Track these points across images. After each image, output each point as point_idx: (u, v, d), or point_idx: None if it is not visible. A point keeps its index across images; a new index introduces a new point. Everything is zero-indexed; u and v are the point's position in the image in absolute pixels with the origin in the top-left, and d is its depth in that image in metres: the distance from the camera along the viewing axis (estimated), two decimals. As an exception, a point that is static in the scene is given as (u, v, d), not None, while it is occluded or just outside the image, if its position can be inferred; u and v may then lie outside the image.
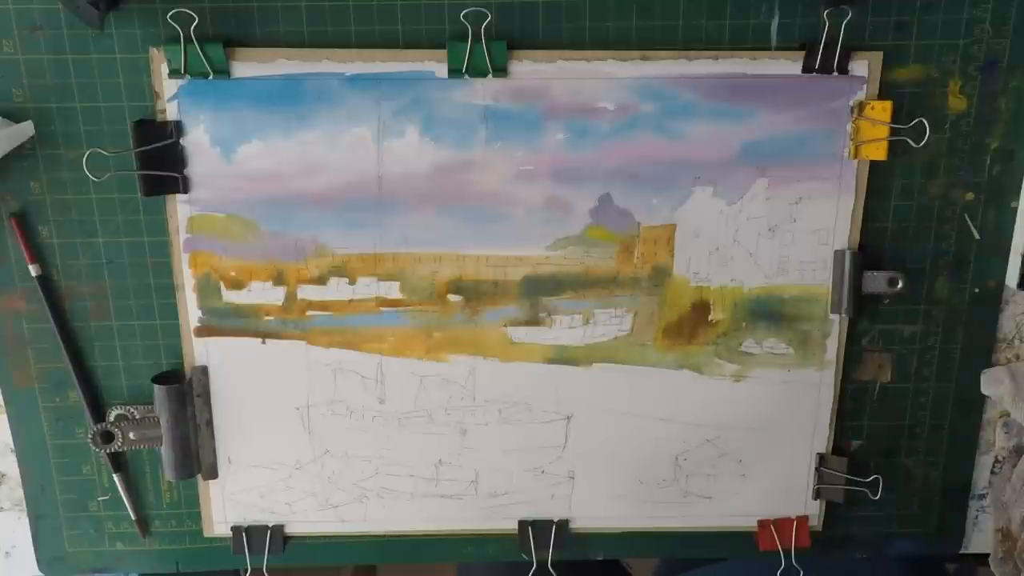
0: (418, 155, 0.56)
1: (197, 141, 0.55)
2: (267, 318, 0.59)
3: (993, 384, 0.61)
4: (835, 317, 0.60)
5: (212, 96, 0.54)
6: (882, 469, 0.63)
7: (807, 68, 0.55)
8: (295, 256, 0.58)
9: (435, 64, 0.54)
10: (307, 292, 0.59)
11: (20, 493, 0.63)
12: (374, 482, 0.63)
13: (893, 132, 0.55)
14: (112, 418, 0.60)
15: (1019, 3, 0.54)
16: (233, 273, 0.58)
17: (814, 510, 0.64)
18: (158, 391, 0.58)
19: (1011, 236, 0.59)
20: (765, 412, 0.62)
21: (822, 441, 0.63)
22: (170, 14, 0.52)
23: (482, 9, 0.53)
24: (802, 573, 0.63)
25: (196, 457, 0.61)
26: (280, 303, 0.59)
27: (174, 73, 0.53)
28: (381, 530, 0.65)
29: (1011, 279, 0.59)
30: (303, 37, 0.54)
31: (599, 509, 0.64)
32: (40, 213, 0.57)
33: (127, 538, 0.64)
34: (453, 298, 0.59)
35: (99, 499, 0.63)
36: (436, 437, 0.62)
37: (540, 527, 0.64)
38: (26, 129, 0.54)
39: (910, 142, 0.55)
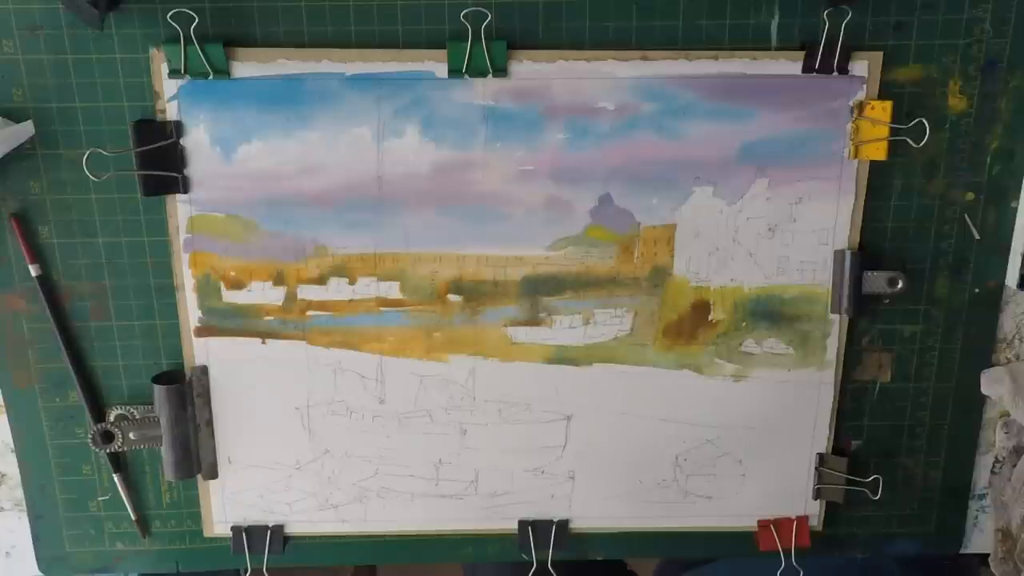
0: (418, 155, 0.56)
1: (197, 141, 0.55)
2: (267, 318, 0.59)
3: (993, 384, 0.61)
4: (835, 317, 0.60)
5: (212, 96, 0.54)
6: (882, 469, 0.63)
7: (807, 68, 0.55)
8: (295, 256, 0.58)
9: (435, 64, 0.54)
10: (307, 292, 0.59)
11: (20, 493, 0.63)
12: (374, 482, 0.63)
13: (893, 132, 0.55)
14: (112, 418, 0.60)
15: (1019, 3, 0.54)
16: (233, 273, 0.58)
17: (814, 510, 0.64)
18: (158, 391, 0.58)
19: (1011, 236, 0.59)
20: (765, 412, 0.62)
21: (822, 441, 0.63)
22: (170, 14, 0.52)
23: (482, 9, 0.53)
24: (802, 573, 0.63)
25: (196, 457, 0.61)
26: (280, 303, 0.59)
27: (174, 73, 0.53)
28: (381, 530, 0.65)
29: (1011, 279, 0.59)
30: (303, 37, 0.54)
31: (599, 509, 0.64)
32: (40, 213, 0.57)
33: (127, 538, 0.64)
34: (453, 298, 0.59)
35: (99, 499, 0.63)
36: (436, 437, 0.62)
37: (540, 527, 0.64)
38: (26, 129, 0.54)
39: (910, 142, 0.55)
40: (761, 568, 0.65)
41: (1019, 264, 0.58)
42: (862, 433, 0.63)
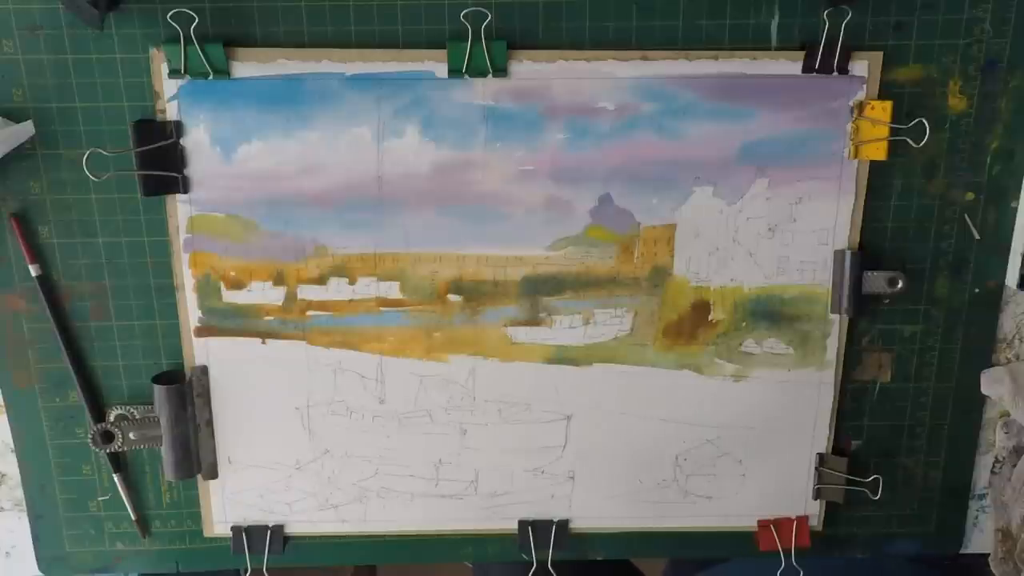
0: (418, 155, 0.56)
1: (197, 141, 0.55)
2: (267, 318, 0.59)
3: (993, 384, 0.61)
4: (835, 317, 0.60)
5: (212, 96, 0.54)
6: (882, 469, 0.63)
7: (807, 68, 0.55)
8: (295, 256, 0.58)
9: (435, 64, 0.54)
10: (307, 292, 0.59)
11: (20, 493, 0.63)
12: (374, 482, 0.63)
13: (893, 132, 0.55)
14: (112, 418, 0.60)
15: (1019, 3, 0.54)
16: (233, 273, 0.58)
17: (814, 510, 0.64)
18: (158, 391, 0.58)
19: (1011, 236, 0.59)
20: (765, 412, 0.62)
21: (822, 441, 0.63)
22: (170, 14, 0.52)
23: (482, 9, 0.53)
24: (802, 573, 0.63)
25: (196, 457, 0.61)
26: (280, 303, 0.59)
27: (174, 73, 0.53)
28: (381, 530, 0.65)
29: (1011, 279, 0.59)
30: (303, 37, 0.54)
31: (599, 509, 0.64)
32: (40, 213, 0.57)
33: (127, 538, 0.64)
34: (453, 298, 0.59)
35: (99, 499, 0.63)
36: (436, 437, 0.62)
37: (540, 527, 0.64)
38: (26, 129, 0.54)
39: (910, 142, 0.55)
40: (768, 568, 0.65)
41: (1019, 264, 0.58)
42: (862, 433, 0.63)
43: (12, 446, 0.62)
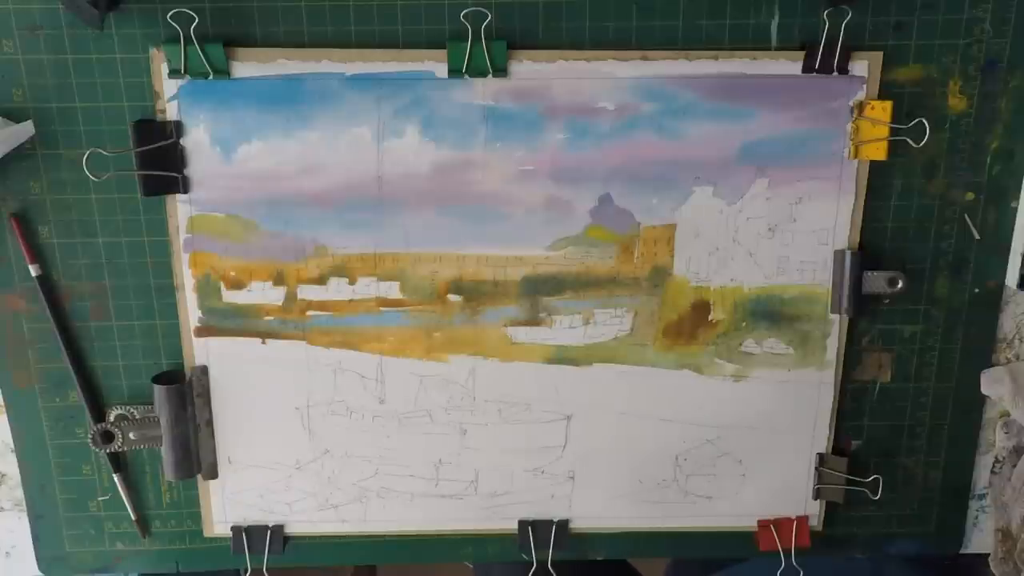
0: (418, 155, 0.56)
1: (197, 141, 0.55)
2: (267, 318, 0.59)
3: (993, 384, 0.61)
4: (835, 317, 0.60)
5: (212, 96, 0.54)
6: (882, 469, 0.63)
7: (807, 68, 0.55)
8: (295, 256, 0.58)
9: (435, 64, 0.54)
10: (307, 292, 0.59)
11: (20, 493, 0.63)
12: (374, 482, 0.63)
13: (893, 132, 0.55)
14: (112, 418, 0.60)
15: (1019, 3, 0.54)
16: (233, 273, 0.58)
17: (814, 510, 0.64)
18: (158, 391, 0.58)
19: (1011, 236, 0.59)
20: (765, 412, 0.62)
21: (822, 441, 0.63)
22: (170, 14, 0.52)
23: (482, 9, 0.53)
24: (802, 573, 0.63)
25: (196, 457, 0.61)
26: (280, 303, 0.59)
27: (174, 73, 0.53)
28: (381, 530, 0.65)
29: (1011, 279, 0.59)
30: (303, 37, 0.54)
31: (599, 509, 0.64)
32: (40, 213, 0.57)
33: (127, 538, 0.64)
34: (453, 298, 0.59)
35: (99, 499, 0.63)
36: (436, 437, 0.62)
37: (540, 527, 0.64)
38: (26, 129, 0.54)
39: (910, 142, 0.55)
40: (768, 571, 0.65)
41: (1019, 264, 0.58)
42: (862, 433, 0.63)
43: (12, 446, 0.62)
